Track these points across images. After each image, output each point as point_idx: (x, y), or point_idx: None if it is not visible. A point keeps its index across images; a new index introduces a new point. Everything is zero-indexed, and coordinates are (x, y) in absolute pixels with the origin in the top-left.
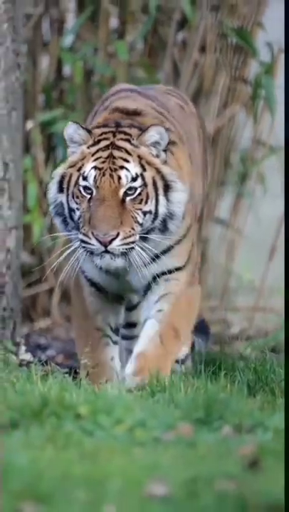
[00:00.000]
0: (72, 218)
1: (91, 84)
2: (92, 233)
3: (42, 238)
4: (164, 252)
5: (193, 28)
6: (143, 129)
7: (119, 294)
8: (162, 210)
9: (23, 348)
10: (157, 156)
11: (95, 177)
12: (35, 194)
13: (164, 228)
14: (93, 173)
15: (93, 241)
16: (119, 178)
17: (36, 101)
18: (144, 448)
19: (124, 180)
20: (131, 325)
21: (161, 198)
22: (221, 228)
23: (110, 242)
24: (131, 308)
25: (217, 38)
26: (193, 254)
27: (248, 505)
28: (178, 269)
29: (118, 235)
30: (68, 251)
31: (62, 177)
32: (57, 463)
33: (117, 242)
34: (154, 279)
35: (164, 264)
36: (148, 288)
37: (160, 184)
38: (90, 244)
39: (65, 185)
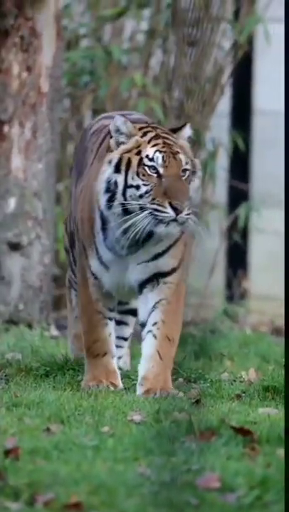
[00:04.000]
0: (124, 194)
1: None
2: (170, 203)
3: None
4: (164, 252)
5: None
6: (179, 126)
7: (112, 293)
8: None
9: (53, 327)
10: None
11: (163, 158)
12: (63, 231)
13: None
14: (159, 155)
15: (168, 209)
16: (180, 159)
17: (64, 172)
18: (128, 391)
19: (183, 162)
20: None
21: (192, 183)
22: None
23: (182, 211)
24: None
25: None
26: (185, 254)
27: (194, 428)
28: (173, 269)
29: (187, 205)
30: (130, 222)
31: (120, 160)
32: (73, 399)
33: (186, 212)
34: (151, 280)
35: (163, 263)
36: (143, 286)
37: (192, 171)
38: (164, 212)
39: (123, 167)
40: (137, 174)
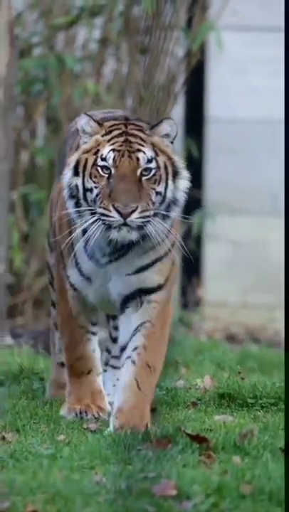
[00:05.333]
0: (85, 199)
1: (54, 171)
2: (113, 206)
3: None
4: (148, 265)
5: None
6: (156, 122)
7: (95, 306)
8: (169, 194)
9: (7, 335)
10: (167, 146)
11: (114, 158)
12: (17, 238)
13: (166, 214)
14: (112, 154)
15: (113, 213)
16: (138, 159)
17: (18, 180)
18: None
19: (141, 161)
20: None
21: (170, 183)
22: None
23: (130, 214)
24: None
25: None
26: (172, 273)
27: (150, 436)
28: (159, 287)
29: (137, 208)
30: (83, 226)
31: (78, 162)
32: (28, 407)
33: (135, 215)
34: (134, 297)
35: (147, 278)
36: (125, 304)
37: (170, 170)
38: (109, 216)
39: (80, 169)
40: (90, 176)
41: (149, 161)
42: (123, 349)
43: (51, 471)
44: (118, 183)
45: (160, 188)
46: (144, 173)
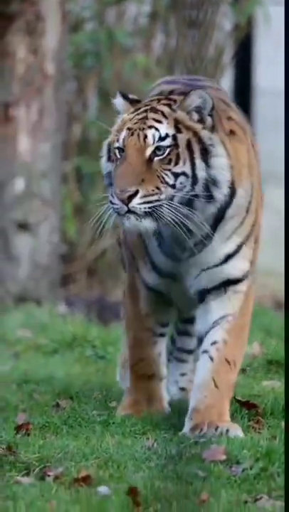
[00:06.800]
0: None
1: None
2: (115, 191)
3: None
4: (234, 252)
5: None
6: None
7: (172, 300)
8: (201, 174)
9: (61, 304)
10: (201, 121)
11: (124, 137)
12: (70, 209)
13: (208, 196)
14: (124, 133)
15: (115, 200)
16: (145, 136)
17: (71, 152)
18: None
19: (150, 140)
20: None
21: (198, 162)
22: None
23: (129, 199)
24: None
25: None
26: (256, 255)
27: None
28: (245, 274)
29: (137, 192)
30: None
31: (110, 145)
32: (81, 374)
33: (137, 200)
34: (217, 287)
35: (233, 267)
36: (207, 293)
37: (196, 147)
38: (114, 204)
39: (112, 153)
40: (113, 159)
41: (162, 138)
42: (200, 340)
43: (104, 437)
44: (119, 166)
45: (182, 169)
46: (158, 152)
